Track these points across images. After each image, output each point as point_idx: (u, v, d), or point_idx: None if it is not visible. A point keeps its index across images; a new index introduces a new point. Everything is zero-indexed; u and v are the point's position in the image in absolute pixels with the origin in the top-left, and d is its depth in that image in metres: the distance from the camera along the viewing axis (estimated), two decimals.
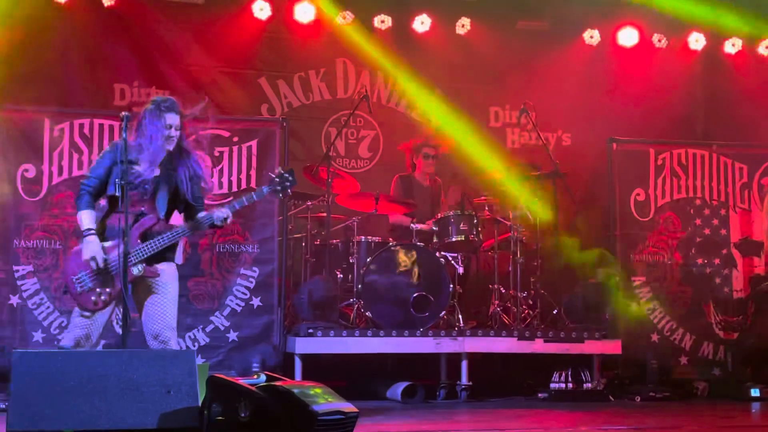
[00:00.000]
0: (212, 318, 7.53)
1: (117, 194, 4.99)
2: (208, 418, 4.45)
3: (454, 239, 7.79)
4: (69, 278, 5.13)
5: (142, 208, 5.16)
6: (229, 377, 4.69)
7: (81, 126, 7.46)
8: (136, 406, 4.45)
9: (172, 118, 5.19)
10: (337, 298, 7.57)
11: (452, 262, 7.80)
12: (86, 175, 5.28)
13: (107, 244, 5.12)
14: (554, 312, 7.96)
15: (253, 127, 7.87)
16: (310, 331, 7.25)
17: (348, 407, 4.59)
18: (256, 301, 7.59)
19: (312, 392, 4.54)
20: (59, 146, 7.40)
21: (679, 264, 8.48)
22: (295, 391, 4.50)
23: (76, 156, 7.42)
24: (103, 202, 5.25)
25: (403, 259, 7.58)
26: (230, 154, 7.67)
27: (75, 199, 5.23)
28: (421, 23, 9.11)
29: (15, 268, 7.26)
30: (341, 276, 7.75)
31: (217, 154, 7.61)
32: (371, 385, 7.49)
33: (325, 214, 7.86)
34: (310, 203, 8.02)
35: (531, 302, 8.04)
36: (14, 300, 7.23)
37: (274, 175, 5.35)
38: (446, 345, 7.47)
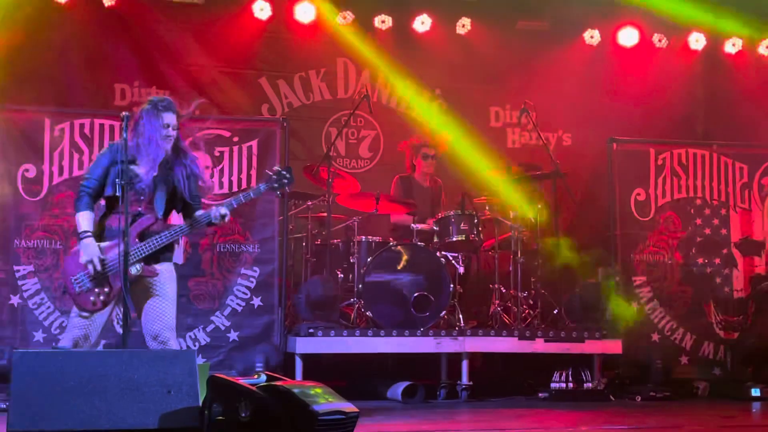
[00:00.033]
0: (213, 318, 7.53)
1: (117, 194, 4.98)
2: (209, 418, 4.45)
3: (454, 239, 7.78)
4: (68, 278, 5.13)
5: (140, 208, 5.16)
6: (230, 377, 4.69)
7: (81, 126, 7.46)
8: (137, 406, 4.45)
9: (170, 118, 5.20)
10: (337, 298, 7.57)
11: (453, 261, 7.79)
12: (85, 176, 5.26)
13: (105, 244, 5.12)
14: (555, 312, 7.96)
15: (254, 127, 7.87)
16: (311, 330, 7.25)
17: (348, 407, 4.59)
18: (256, 301, 7.59)
19: (312, 392, 4.54)
20: (60, 146, 7.40)
21: (680, 264, 8.48)
22: (296, 390, 4.50)
23: (76, 156, 7.42)
24: (102, 202, 5.25)
25: (404, 258, 7.59)
26: (231, 154, 7.67)
27: (74, 201, 5.22)
28: (422, 23, 9.10)
29: (16, 268, 7.26)
30: (342, 276, 7.74)
31: (217, 154, 7.61)
32: (372, 385, 7.49)
33: (325, 214, 7.86)
34: (310, 203, 8.01)
35: (531, 302, 8.03)
36: (15, 300, 7.24)
37: (271, 173, 5.35)
38: (447, 345, 7.47)
